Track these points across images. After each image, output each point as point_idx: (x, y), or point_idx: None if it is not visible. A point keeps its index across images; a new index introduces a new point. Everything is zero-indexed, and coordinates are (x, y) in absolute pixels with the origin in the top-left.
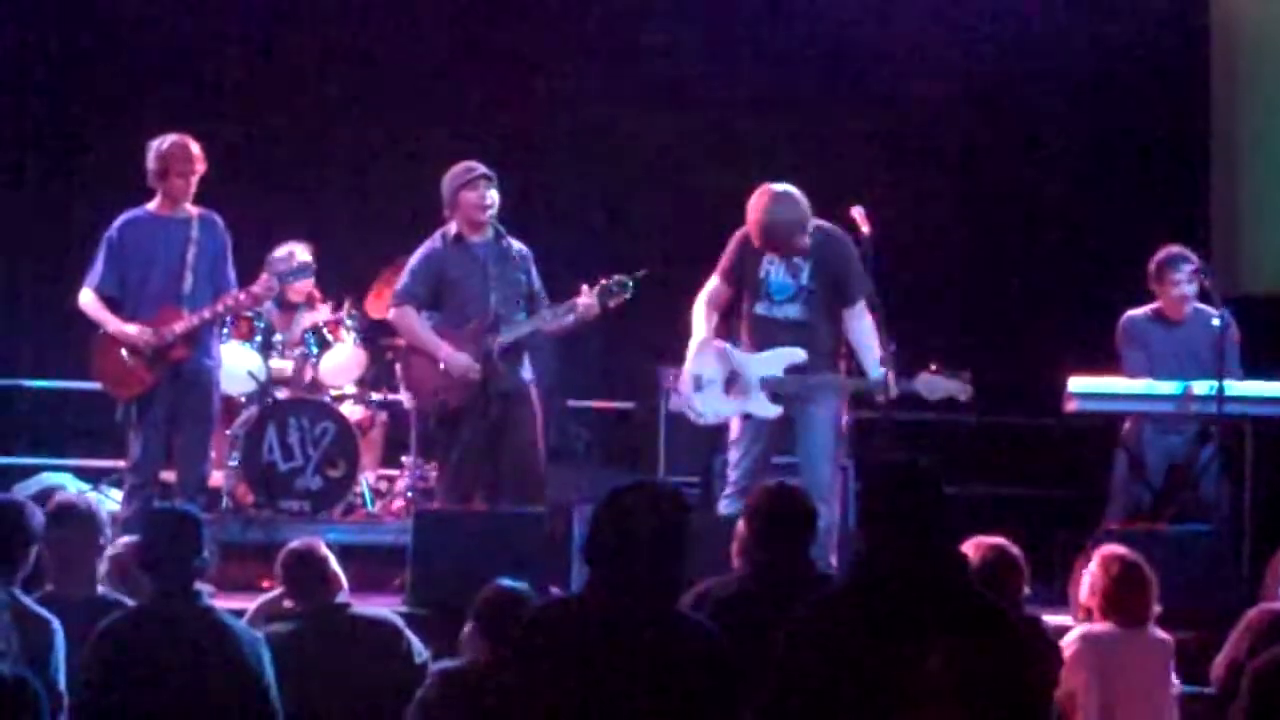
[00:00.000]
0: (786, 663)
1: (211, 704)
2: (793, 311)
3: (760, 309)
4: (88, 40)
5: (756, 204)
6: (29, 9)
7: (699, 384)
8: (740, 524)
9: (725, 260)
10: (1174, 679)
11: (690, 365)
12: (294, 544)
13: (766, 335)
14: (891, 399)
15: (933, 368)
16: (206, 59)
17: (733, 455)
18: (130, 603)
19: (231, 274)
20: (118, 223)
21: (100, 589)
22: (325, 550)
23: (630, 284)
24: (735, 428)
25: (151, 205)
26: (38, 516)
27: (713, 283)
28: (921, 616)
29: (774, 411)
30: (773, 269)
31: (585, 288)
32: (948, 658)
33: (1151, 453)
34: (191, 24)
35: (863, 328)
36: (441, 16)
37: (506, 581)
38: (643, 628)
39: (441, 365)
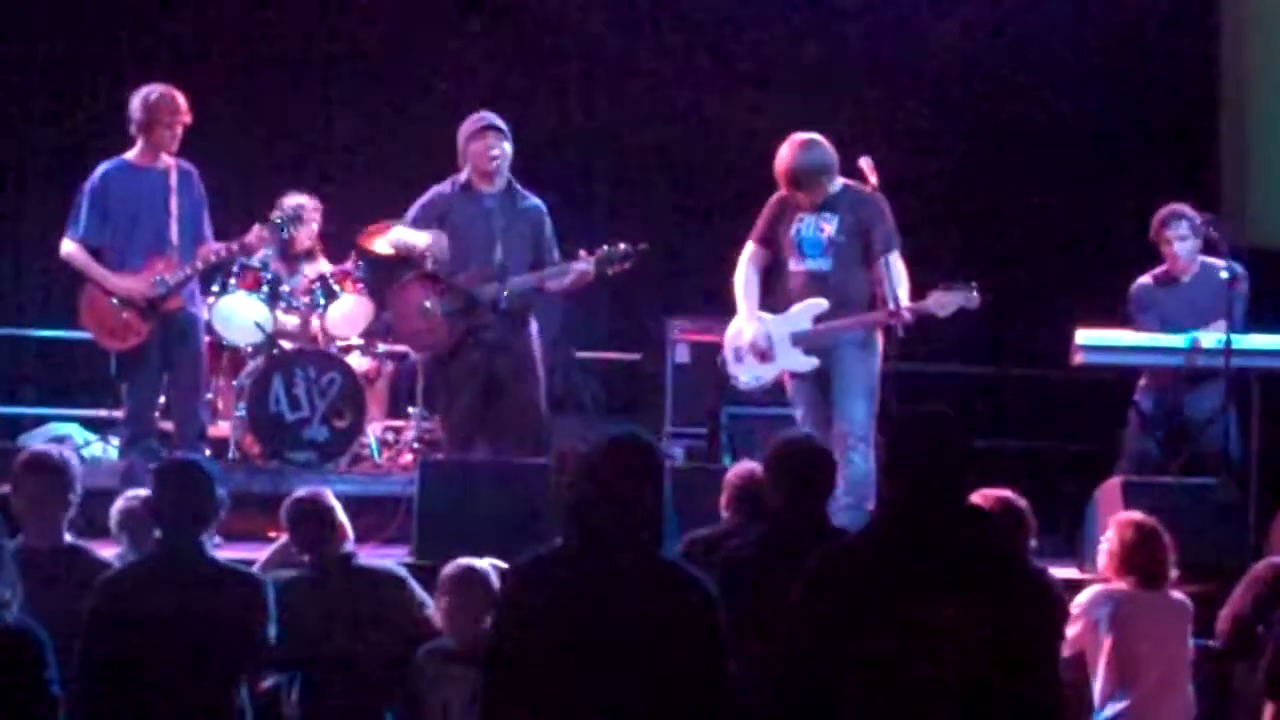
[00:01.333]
0: (801, 611)
1: (211, 655)
2: (824, 264)
3: (794, 265)
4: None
5: (785, 151)
6: None
7: (738, 355)
8: (729, 474)
9: (759, 225)
10: (1190, 641)
11: (727, 338)
12: (299, 493)
13: (800, 290)
14: (907, 322)
15: (942, 284)
16: (213, 11)
17: (797, 416)
18: (98, 552)
19: (209, 226)
20: (98, 172)
21: (68, 538)
22: (331, 500)
23: (630, 254)
24: (790, 391)
25: (131, 155)
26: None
27: (749, 249)
28: (938, 569)
29: (810, 364)
30: (803, 226)
31: (583, 253)
32: (960, 610)
33: (1157, 409)
34: None
35: (894, 276)
36: None
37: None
38: (627, 576)
39: (427, 304)
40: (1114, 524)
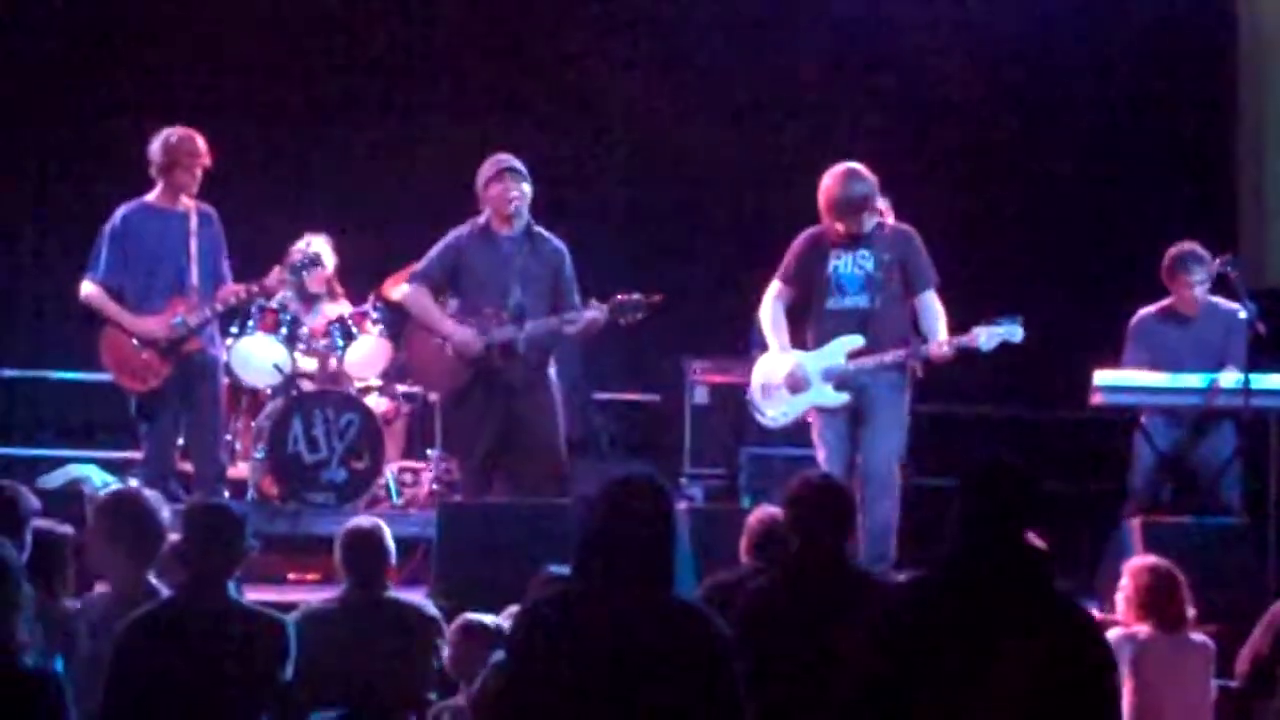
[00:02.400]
0: (865, 658)
1: (228, 696)
2: (863, 301)
3: (830, 303)
4: (112, 35)
5: (829, 181)
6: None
7: (766, 391)
8: (750, 519)
9: (788, 263)
10: (1212, 683)
11: (756, 374)
12: (361, 522)
13: (835, 328)
14: (947, 356)
15: (985, 320)
16: (232, 52)
17: (820, 457)
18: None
19: (227, 268)
20: (119, 214)
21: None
22: (388, 535)
23: (644, 306)
24: (815, 429)
25: (151, 196)
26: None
27: (774, 287)
28: (1005, 617)
29: (840, 399)
30: (840, 263)
31: (595, 302)
32: (1023, 659)
33: (1164, 443)
34: (217, 16)
35: (931, 313)
36: (472, 11)
37: (557, 570)
38: (636, 616)
39: (445, 344)
40: (1128, 571)
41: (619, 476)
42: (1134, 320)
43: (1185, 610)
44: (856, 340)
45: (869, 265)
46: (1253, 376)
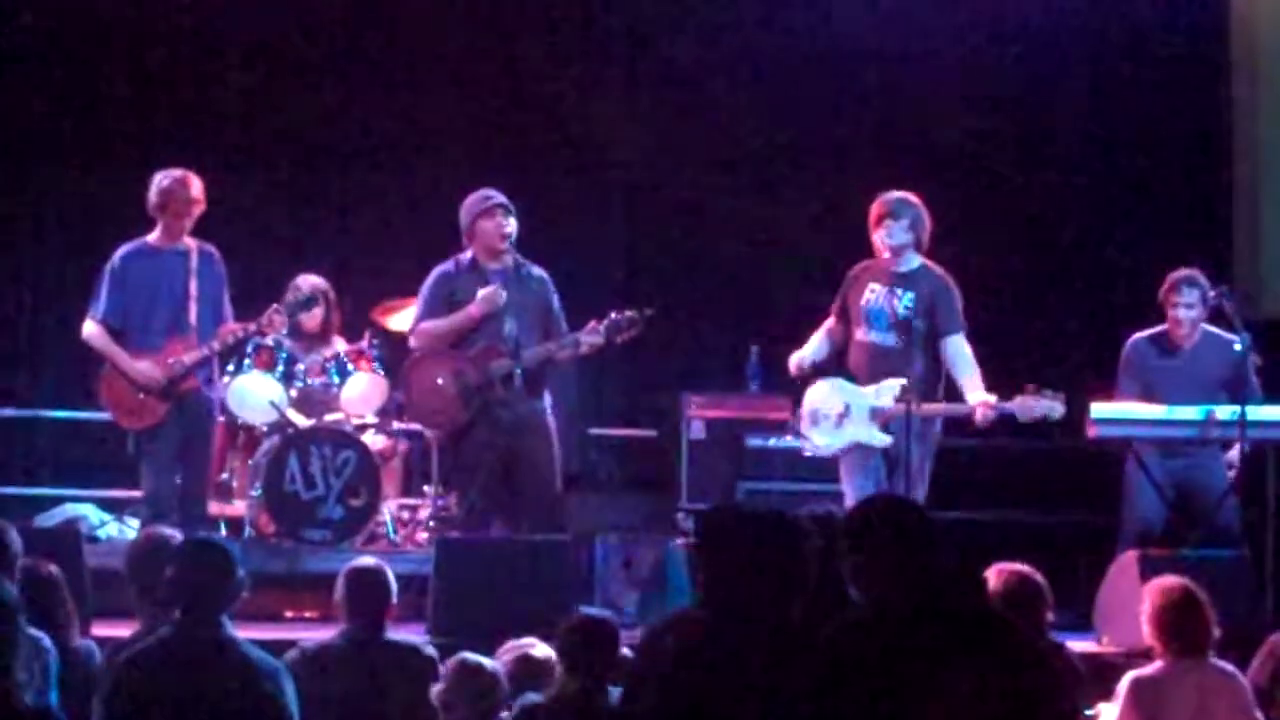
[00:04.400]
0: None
1: None
2: (889, 339)
3: (860, 334)
4: (109, 77)
5: (883, 196)
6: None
7: (815, 419)
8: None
9: (837, 298)
10: (1257, 714)
11: (807, 401)
12: (365, 562)
13: (868, 360)
14: (989, 420)
15: (1029, 388)
16: (225, 89)
17: (846, 491)
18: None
19: (228, 307)
20: (119, 254)
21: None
22: (392, 577)
23: (638, 320)
24: (846, 464)
25: (152, 237)
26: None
27: (828, 322)
28: (942, 643)
29: (885, 440)
30: (874, 297)
31: (593, 323)
32: (977, 683)
33: (1159, 474)
34: (208, 51)
35: (961, 359)
36: (460, 50)
37: (592, 610)
38: (763, 647)
39: (440, 380)
40: (1148, 590)
41: (775, 512)
42: (1126, 346)
43: (1208, 632)
44: (901, 383)
45: (899, 306)
46: (1249, 408)
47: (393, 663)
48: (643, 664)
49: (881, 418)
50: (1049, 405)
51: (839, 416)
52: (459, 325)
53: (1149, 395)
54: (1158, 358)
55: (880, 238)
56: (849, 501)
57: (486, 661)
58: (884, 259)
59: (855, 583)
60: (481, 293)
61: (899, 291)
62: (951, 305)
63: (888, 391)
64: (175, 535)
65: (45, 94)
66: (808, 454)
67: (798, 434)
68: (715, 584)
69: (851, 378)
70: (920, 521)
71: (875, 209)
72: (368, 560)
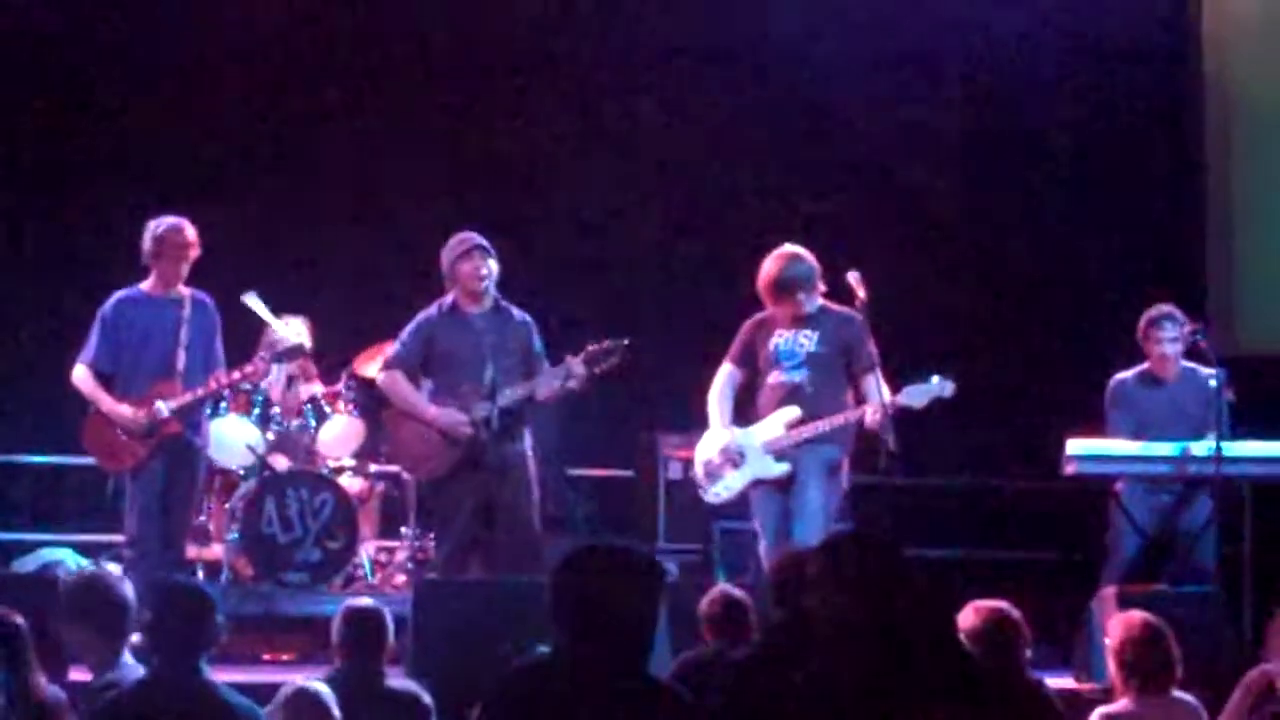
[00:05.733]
0: None
1: None
2: (801, 375)
3: (771, 378)
4: (83, 116)
5: (770, 263)
6: (25, 79)
7: (708, 469)
8: (702, 605)
9: (735, 345)
10: None
11: (698, 456)
12: (360, 602)
13: (775, 401)
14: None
15: (913, 382)
16: (204, 133)
17: (758, 529)
18: None
19: (220, 353)
20: (112, 301)
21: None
22: (389, 618)
23: (617, 349)
24: (753, 502)
25: (145, 285)
26: None
27: (725, 369)
28: (914, 681)
29: (780, 469)
30: (782, 341)
31: (570, 357)
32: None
33: (1141, 512)
34: (188, 98)
35: (876, 393)
36: (436, 85)
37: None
38: (616, 692)
39: (428, 429)
40: (1113, 624)
41: (615, 549)
42: (1111, 384)
43: (1172, 668)
44: (794, 412)
45: (810, 344)
46: (1225, 444)
47: (389, 707)
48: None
49: (775, 448)
50: (939, 385)
51: (732, 462)
52: (418, 412)
53: (1139, 432)
54: (1144, 393)
55: (792, 311)
56: (762, 541)
57: (324, 689)
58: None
59: (819, 620)
60: (448, 421)
61: (806, 332)
62: (866, 346)
63: (778, 421)
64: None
65: (17, 137)
66: (711, 503)
67: (699, 487)
68: (563, 627)
69: (752, 420)
70: (888, 558)
71: (774, 286)
72: (363, 601)
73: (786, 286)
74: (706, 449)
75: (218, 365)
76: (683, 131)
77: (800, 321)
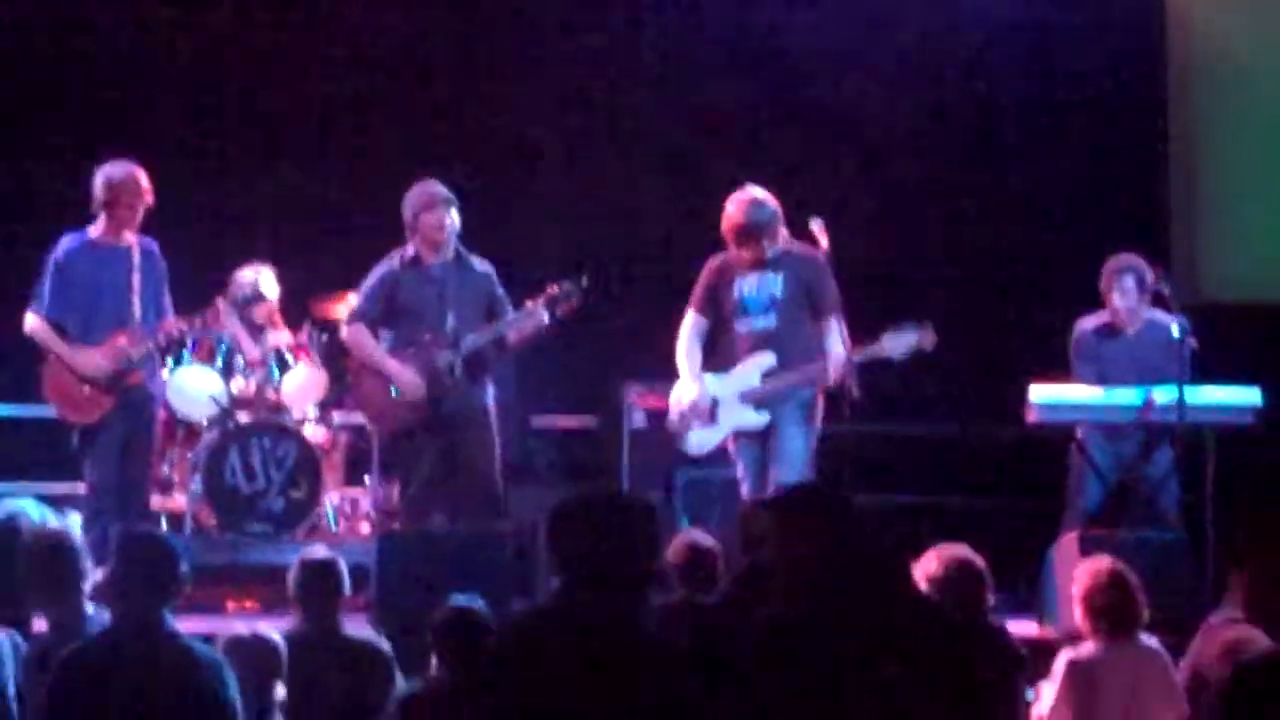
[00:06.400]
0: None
1: None
2: (770, 322)
3: (739, 326)
4: (48, 69)
5: (733, 207)
6: None
7: (684, 419)
8: (669, 554)
9: (697, 292)
10: (1182, 693)
11: (673, 405)
12: (315, 554)
13: (747, 350)
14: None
15: (891, 328)
16: (167, 83)
17: (740, 477)
18: None
19: (169, 302)
20: (61, 248)
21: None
22: (343, 567)
23: (575, 290)
24: (732, 451)
25: (94, 231)
26: None
27: (689, 318)
28: (869, 629)
29: (760, 420)
30: (745, 286)
31: (529, 302)
32: (903, 666)
33: (1103, 458)
34: (149, 49)
35: (834, 338)
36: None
37: (460, 600)
38: (610, 642)
39: (390, 386)
40: (1079, 571)
41: (615, 493)
42: (1075, 332)
43: (1140, 613)
44: (769, 359)
45: (775, 288)
46: (1187, 391)
47: (347, 657)
48: (495, 659)
49: (753, 398)
50: (918, 335)
51: (709, 411)
52: (383, 367)
53: (1101, 379)
54: (1105, 342)
55: (755, 255)
56: (743, 488)
57: (272, 634)
58: None
59: (777, 570)
60: (405, 382)
61: (769, 275)
62: (826, 287)
63: (754, 370)
64: (54, 523)
65: None
66: (693, 454)
67: (677, 439)
68: (562, 575)
69: (723, 368)
70: (843, 508)
71: (739, 231)
72: (320, 551)
73: (750, 232)
74: (678, 400)
75: (166, 314)
76: (640, 71)
77: (763, 265)
